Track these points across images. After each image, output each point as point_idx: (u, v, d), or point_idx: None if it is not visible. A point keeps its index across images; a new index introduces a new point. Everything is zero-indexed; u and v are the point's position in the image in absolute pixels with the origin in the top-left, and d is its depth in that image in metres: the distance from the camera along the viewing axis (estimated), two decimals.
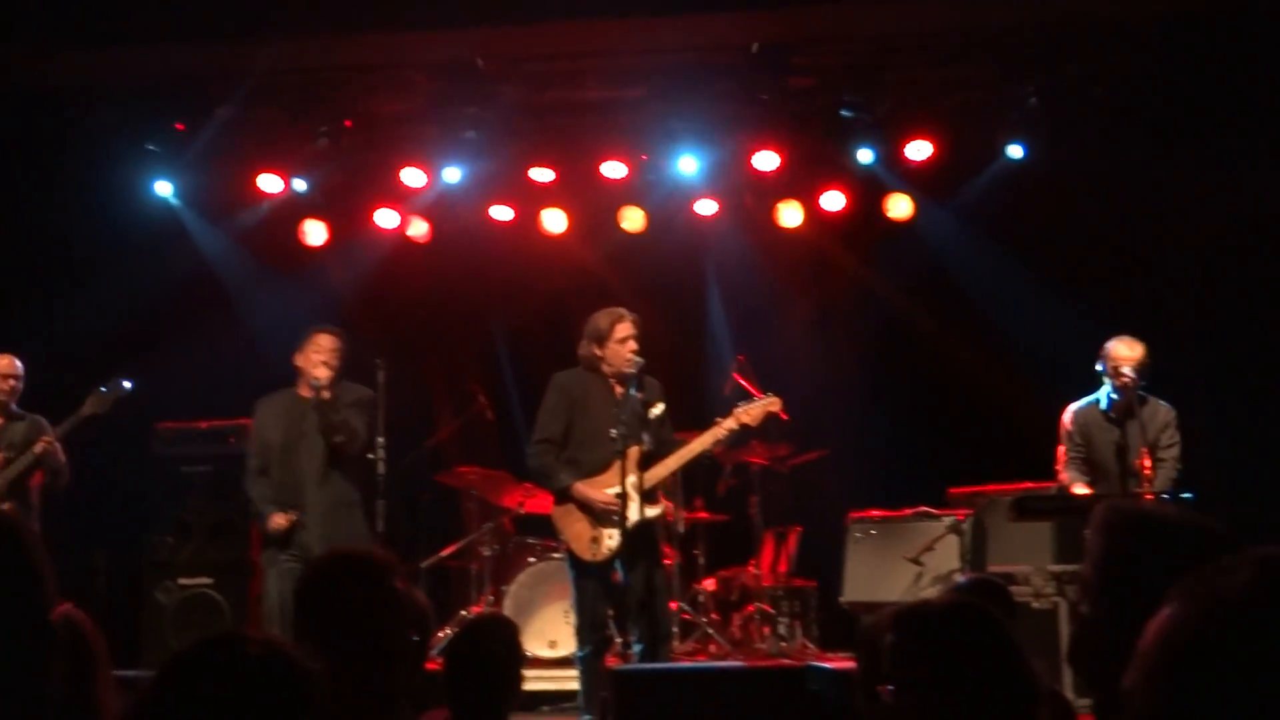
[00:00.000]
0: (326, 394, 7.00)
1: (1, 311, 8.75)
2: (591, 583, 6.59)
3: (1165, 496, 6.71)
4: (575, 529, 6.65)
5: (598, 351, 6.76)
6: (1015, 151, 8.94)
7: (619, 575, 6.60)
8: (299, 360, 7.18)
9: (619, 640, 6.80)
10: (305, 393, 7.16)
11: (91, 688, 2.39)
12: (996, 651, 2.50)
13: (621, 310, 6.84)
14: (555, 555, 8.70)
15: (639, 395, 6.64)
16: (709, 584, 8.96)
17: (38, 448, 7.30)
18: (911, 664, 2.65)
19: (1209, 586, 1.26)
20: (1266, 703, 1.17)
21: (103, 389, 7.42)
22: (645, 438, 6.61)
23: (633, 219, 9.63)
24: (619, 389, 6.69)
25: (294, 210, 9.64)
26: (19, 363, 7.64)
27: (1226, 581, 1.25)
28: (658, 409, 6.76)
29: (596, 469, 6.63)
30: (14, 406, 7.60)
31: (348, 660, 2.65)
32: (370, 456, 7.25)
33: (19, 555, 1.75)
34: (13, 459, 7.33)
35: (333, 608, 2.71)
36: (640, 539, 6.58)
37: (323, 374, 7.03)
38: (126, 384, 7.41)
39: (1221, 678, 1.20)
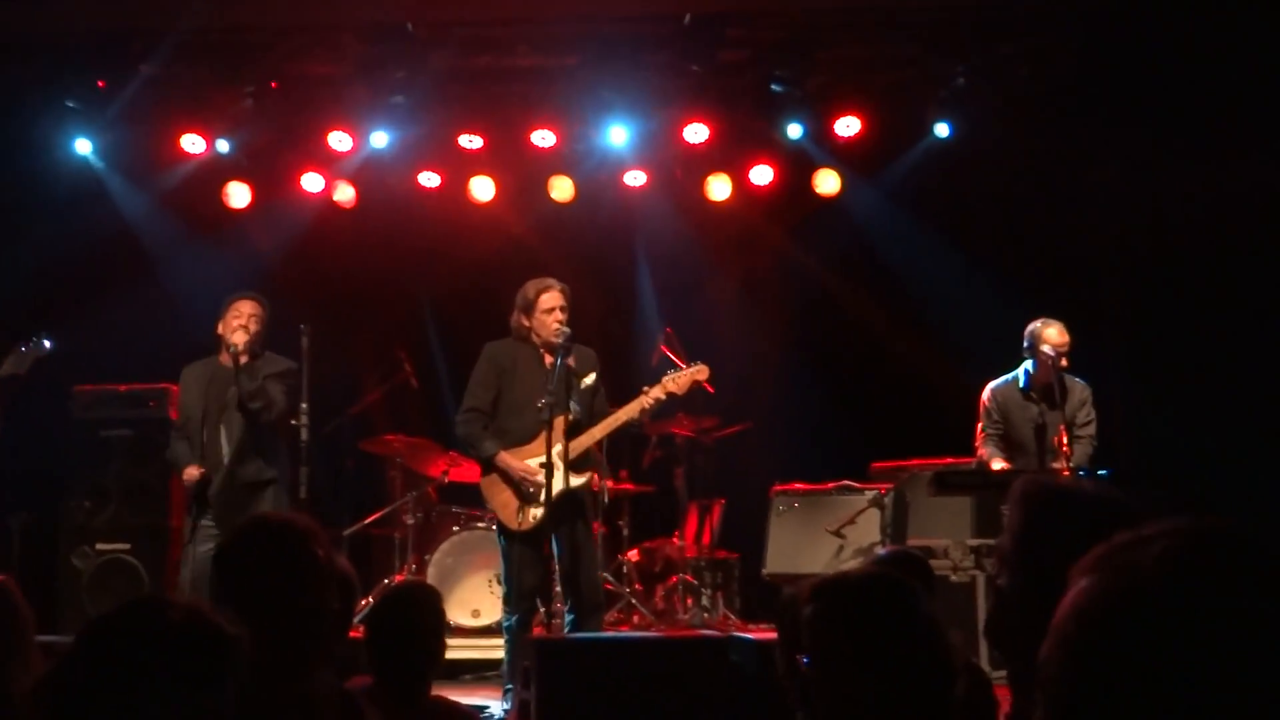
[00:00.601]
0: (244, 358, 6.93)
1: None
2: (519, 551, 6.59)
3: (1082, 472, 6.83)
4: (501, 498, 6.67)
5: (525, 321, 6.77)
6: (942, 130, 9.02)
7: (550, 545, 6.64)
8: (220, 328, 7.09)
9: (543, 610, 6.81)
10: (226, 361, 7.08)
11: (21, 652, 2.36)
12: (914, 623, 2.52)
13: (549, 280, 6.83)
14: (479, 525, 8.71)
15: (568, 364, 6.64)
16: (633, 555, 9.00)
17: None
18: (829, 635, 2.67)
19: (1122, 558, 1.27)
20: (1178, 674, 1.19)
21: (22, 348, 7.17)
22: (574, 407, 6.63)
23: (562, 188, 9.59)
24: (549, 359, 6.69)
25: (217, 172, 9.48)
26: None
27: (1139, 553, 1.26)
28: (589, 379, 6.78)
29: (524, 438, 6.64)
30: None
31: (269, 627, 2.64)
32: (294, 423, 7.18)
33: None
34: None
35: (254, 574, 2.69)
36: (566, 508, 6.59)
37: (240, 338, 6.95)
38: (47, 343, 7.17)
39: (1133, 649, 1.21)
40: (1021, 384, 7.44)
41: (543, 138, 9.31)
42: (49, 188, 9.15)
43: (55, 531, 8.56)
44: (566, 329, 6.68)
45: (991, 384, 7.57)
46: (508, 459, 6.64)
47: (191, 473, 6.94)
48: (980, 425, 7.54)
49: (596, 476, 6.87)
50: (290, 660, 2.69)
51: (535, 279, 6.88)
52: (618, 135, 9.17)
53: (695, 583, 8.81)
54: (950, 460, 8.07)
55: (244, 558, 2.75)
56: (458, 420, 6.89)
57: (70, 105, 8.99)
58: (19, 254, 8.84)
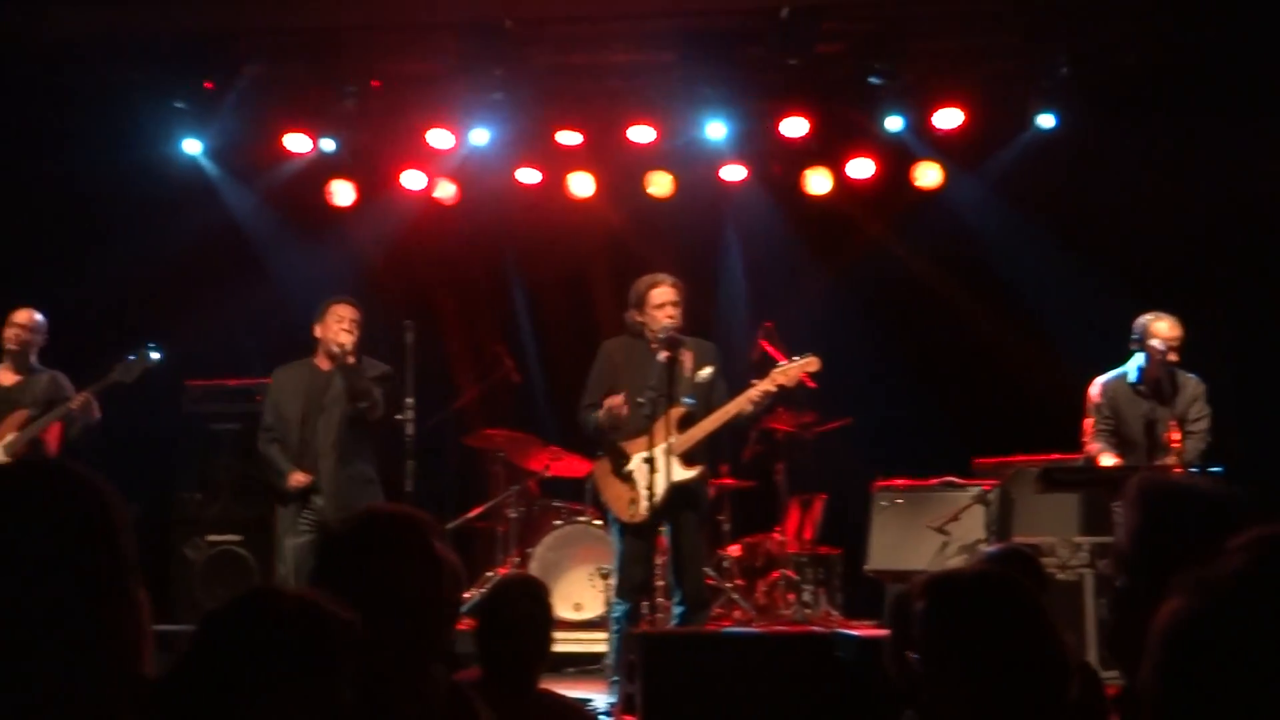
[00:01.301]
0: (351, 359, 7.04)
1: (31, 268, 8.77)
2: (629, 543, 6.64)
3: (1194, 469, 6.69)
4: (614, 490, 6.74)
5: (638, 317, 6.81)
6: (1046, 121, 8.88)
7: (664, 538, 6.70)
8: (318, 331, 7.20)
9: (646, 604, 6.85)
10: (323, 364, 7.19)
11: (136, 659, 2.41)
12: (1029, 623, 2.49)
13: (661, 276, 6.85)
14: (581, 519, 8.76)
15: (676, 359, 6.67)
16: (734, 550, 8.99)
17: (75, 402, 7.21)
18: (942, 633, 2.65)
19: (1203, 576, 1.25)
20: (1262, 691, 1.16)
21: (130, 358, 7.33)
22: (686, 400, 6.65)
23: (660, 184, 9.60)
24: (663, 354, 6.72)
25: (321, 170, 9.63)
26: (39, 316, 7.55)
27: (1218, 570, 1.24)
28: (705, 372, 6.78)
29: (635, 432, 6.67)
30: (33, 361, 7.51)
31: (384, 619, 2.66)
32: (399, 418, 7.28)
33: (103, 519, 1.77)
34: (36, 416, 7.25)
35: (370, 566, 2.70)
36: (676, 501, 6.62)
37: (347, 340, 7.06)
38: (155, 354, 7.33)
39: (1219, 669, 1.19)
40: (1132, 379, 7.30)
41: (641, 133, 9.32)
42: (159, 187, 9.35)
43: (168, 523, 8.76)
44: (670, 323, 6.69)
45: (1101, 379, 7.44)
46: (623, 449, 6.75)
47: (299, 479, 7.06)
48: (1089, 420, 7.41)
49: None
50: (405, 653, 2.71)
51: (648, 275, 6.91)
52: (715, 130, 9.15)
53: (797, 578, 8.76)
54: (1056, 456, 7.95)
55: (360, 549, 2.75)
56: (580, 419, 6.99)
57: (178, 106, 9.17)
58: (131, 252, 9.05)
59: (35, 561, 1.72)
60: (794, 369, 6.83)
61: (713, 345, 7.00)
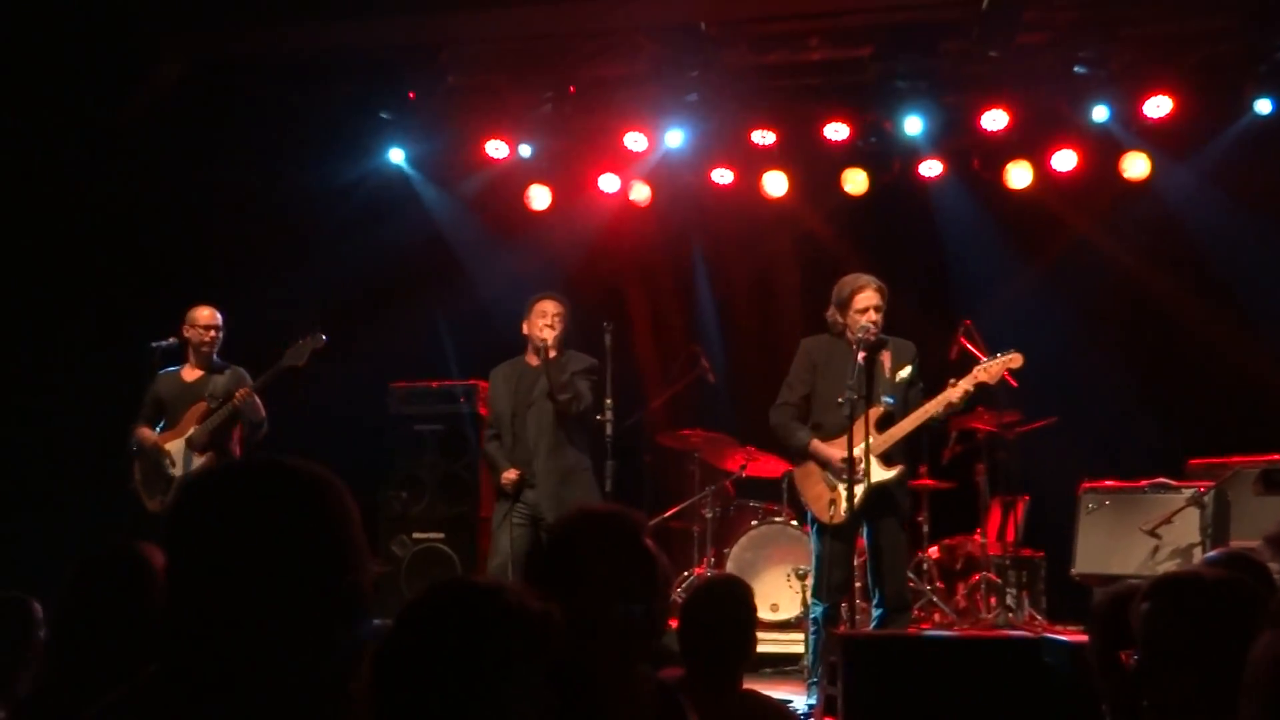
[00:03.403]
0: (553, 353, 7.18)
1: (244, 274, 9.15)
2: (829, 544, 6.59)
3: None
4: (814, 490, 6.71)
5: (840, 318, 6.76)
6: (1264, 106, 8.50)
7: (863, 540, 6.64)
8: (525, 328, 7.36)
9: (844, 605, 6.80)
10: (532, 361, 7.34)
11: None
12: (1257, 625, 2.40)
13: (866, 278, 6.78)
14: (777, 519, 8.73)
15: (878, 360, 6.61)
16: (933, 552, 8.84)
17: (236, 399, 7.41)
18: (1169, 633, 2.57)
19: None
20: None
21: (300, 341, 7.46)
22: (886, 400, 6.59)
23: (855, 181, 9.51)
24: (862, 355, 6.66)
25: (519, 175, 9.83)
26: (219, 315, 7.72)
27: None
28: (904, 372, 6.71)
29: (834, 433, 6.62)
30: (216, 358, 7.69)
31: (599, 618, 2.69)
32: (599, 418, 7.38)
33: (327, 513, 1.83)
34: (215, 409, 7.47)
35: (585, 563, 2.72)
36: (876, 502, 6.55)
37: (548, 335, 7.21)
38: (322, 335, 7.45)
39: None
40: None
41: (835, 130, 9.25)
42: (366, 195, 9.69)
43: (375, 521, 9.03)
44: (869, 325, 6.62)
45: None
46: (820, 445, 6.69)
47: (510, 475, 7.22)
48: None
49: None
50: (617, 652, 2.73)
51: (852, 275, 6.86)
52: (912, 125, 9.01)
53: (999, 581, 8.57)
54: (1277, 456, 7.59)
55: (574, 546, 2.78)
56: (770, 412, 6.94)
57: (384, 116, 9.47)
58: (341, 258, 9.39)
59: (263, 559, 1.79)
60: (996, 365, 6.69)
61: (911, 345, 6.90)
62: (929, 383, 6.88)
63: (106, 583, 3.01)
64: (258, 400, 7.50)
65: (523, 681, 2.09)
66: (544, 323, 7.26)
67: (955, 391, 6.62)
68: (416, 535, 8.88)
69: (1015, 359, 6.71)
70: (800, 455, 6.83)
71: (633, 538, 2.77)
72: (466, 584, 2.22)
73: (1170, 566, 7.12)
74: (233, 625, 1.75)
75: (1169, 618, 2.52)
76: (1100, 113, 8.74)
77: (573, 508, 2.96)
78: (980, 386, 6.71)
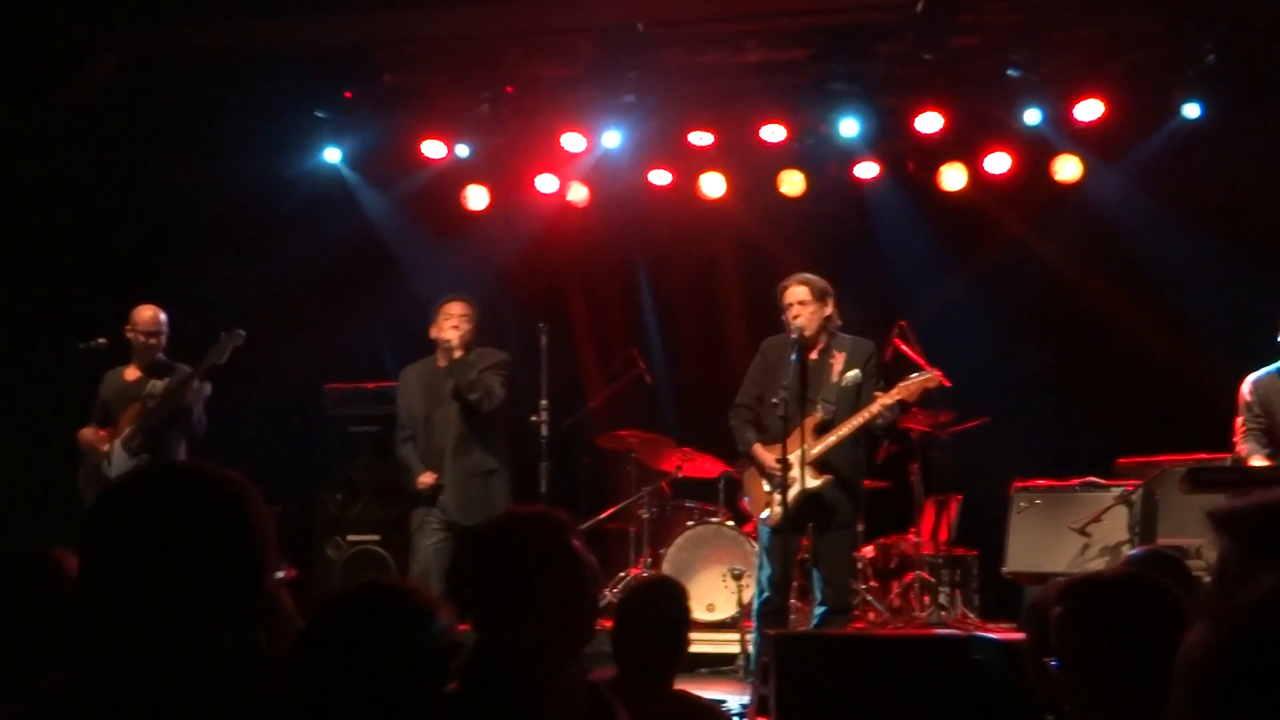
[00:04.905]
0: (458, 354, 7.19)
1: (173, 274, 9.04)
2: (771, 540, 6.64)
3: None
4: (756, 492, 6.80)
5: (783, 317, 6.78)
6: (1192, 110, 8.62)
7: (800, 542, 6.70)
8: (433, 331, 7.38)
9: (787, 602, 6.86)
10: (441, 363, 7.35)
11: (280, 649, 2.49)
12: (1173, 628, 2.42)
13: (793, 276, 6.84)
14: (713, 519, 8.76)
15: (801, 359, 6.63)
16: (868, 551, 8.91)
17: (161, 388, 7.32)
18: (1081, 638, 2.59)
19: (1228, 603, 1.21)
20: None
21: (220, 339, 7.36)
22: (824, 405, 6.59)
23: (792, 183, 9.56)
24: (811, 354, 6.68)
25: (457, 176, 9.78)
26: (163, 315, 7.64)
27: (1243, 597, 1.19)
28: (850, 375, 6.70)
29: (773, 435, 6.65)
30: (158, 358, 7.60)
31: (529, 619, 2.69)
32: (533, 419, 7.37)
33: (241, 516, 1.82)
34: (152, 409, 7.38)
35: (514, 567, 2.73)
36: (811, 509, 6.58)
37: (453, 336, 7.24)
38: (241, 332, 7.35)
39: (1245, 698, 1.15)
40: None
41: (772, 132, 9.29)
42: (302, 194, 9.61)
43: (309, 524, 8.97)
44: (798, 324, 6.65)
45: (1252, 375, 7.19)
46: (758, 451, 6.72)
47: (426, 480, 7.26)
48: (1239, 419, 7.17)
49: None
50: (545, 654, 2.73)
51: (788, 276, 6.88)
52: (848, 127, 9.07)
53: (932, 580, 8.65)
54: (1204, 456, 7.71)
55: (502, 550, 2.79)
56: (729, 415, 6.98)
57: (320, 116, 9.39)
58: (276, 257, 9.31)
59: (176, 564, 1.78)
60: (915, 384, 6.72)
61: (869, 345, 6.90)
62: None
63: (14, 587, 2.96)
64: (192, 387, 7.40)
65: (429, 686, 2.11)
66: (449, 324, 7.31)
67: (875, 407, 6.60)
68: (351, 538, 8.81)
69: (932, 378, 6.76)
70: (746, 457, 6.91)
71: (559, 539, 2.77)
72: (372, 588, 2.24)
73: (1100, 564, 7.21)
74: (142, 629, 1.74)
75: (1079, 622, 2.55)
76: (1032, 116, 8.83)
77: (499, 511, 2.96)
78: (900, 403, 6.74)
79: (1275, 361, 7.11)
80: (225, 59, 8.93)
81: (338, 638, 2.12)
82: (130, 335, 7.56)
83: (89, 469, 7.45)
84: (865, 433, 6.76)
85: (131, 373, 7.61)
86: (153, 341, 7.58)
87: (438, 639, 2.14)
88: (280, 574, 2.16)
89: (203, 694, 1.75)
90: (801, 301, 6.70)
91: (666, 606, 4.02)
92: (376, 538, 8.77)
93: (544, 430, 7.35)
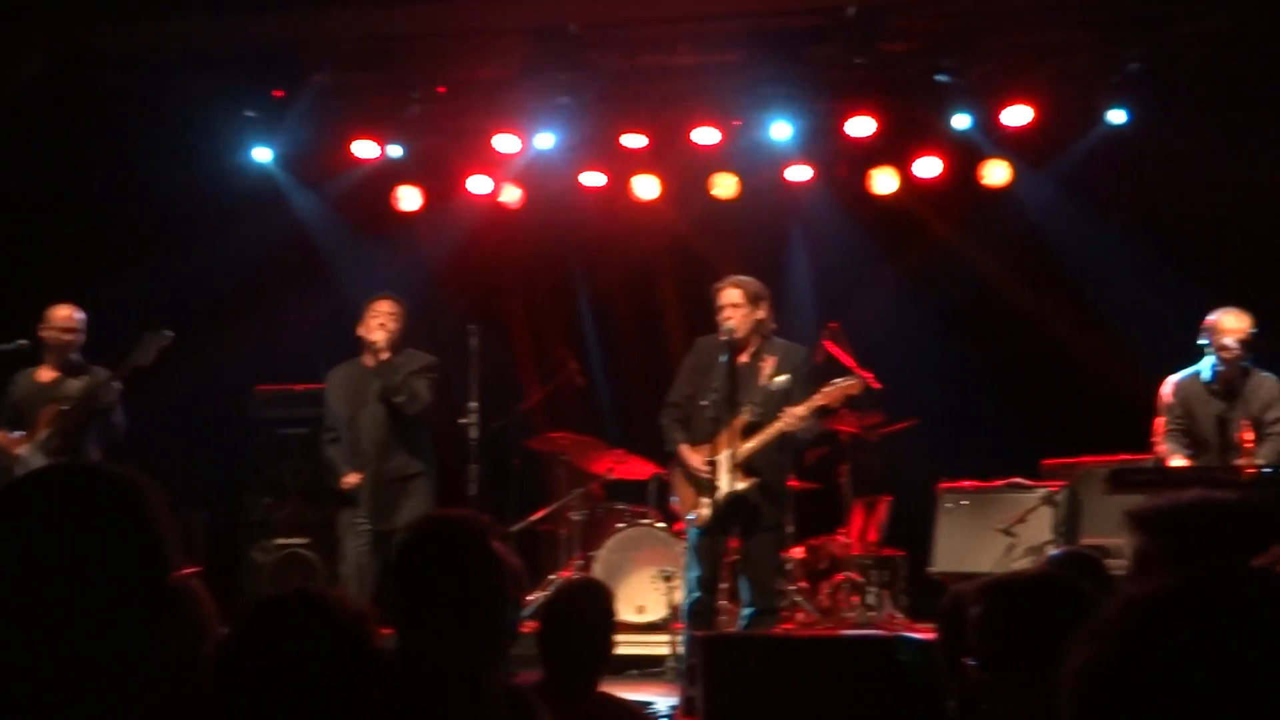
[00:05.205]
0: (385, 354, 7.14)
1: (101, 275, 8.91)
2: (700, 540, 6.66)
3: (1269, 470, 6.55)
4: (684, 492, 6.80)
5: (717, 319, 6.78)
6: (1117, 117, 8.74)
7: (727, 544, 6.72)
8: (360, 330, 7.33)
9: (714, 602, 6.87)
10: (369, 362, 7.30)
11: (200, 652, 2.47)
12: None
13: (727, 279, 6.84)
14: (644, 521, 8.77)
15: (731, 361, 6.64)
16: (798, 552, 8.94)
17: (77, 389, 7.18)
18: (998, 638, 2.62)
19: (1100, 627, 1.24)
20: None
21: (145, 339, 7.19)
22: (752, 408, 6.60)
23: (724, 185, 9.59)
24: (742, 357, 6.69)
25: (388, 176, 9.71)
26: (79, 314, 7.46)
27: (1110, 617, 1.22)
28: (780, 379, 6.70)
29: (700, 436, 6.66)
30: (73, 358, 7.42)
31: (448, 622, 2.68)
32: (462, 421, 7.34)
33: (141, 516, 1.79)
34: (68, 411, 7.23)
35: (434, 570, 2.72)
36: (738, 511, 6.60)
37: (379, 336, 7.19)
38: (168, 333, 7.20)
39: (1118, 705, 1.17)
40: (1205, 378, 7.17)
41: (705, 135, 9.31)
42: (230, 195, 9.49)
43: (236, 527, 8.87)
44: (729, 325, 6.66)
45: (1173, 377, 7.31)
46: (684, 453, 6.72)
47: (350, 480, 7.21)
48: (1160, 420, 7.29)
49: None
50: (467, 656, 2.72)
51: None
52: (780, 130, 9.12)
53: (861, 580, 8.71)
54: (1126, 457, 7.84)
55: (423, 554, 2.77)
56: (661, 414, 6.97)
57: (249, 115, 9.29)
58: (202, 258, 9.19)
59: (72, 565, 1.75)
60: (837, 390, 6.75)
61: (801, 350, 6.92)
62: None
63: None
64: (114, 388, 7.28)
65: (352, 696, 2.10)
66: (377, 323, 7.26)
67: (798, 410, 6.61)
68: (279, 541, 8.73)
69: (854, 385, 6.79)
70: (674, 458, 6.91)
71: (478, 542, 2.76)
72: (289, 598, 2.23)
73: (1024, 564, 7.31)
74: (38, 631, 1.72)
75: (997, 621, 2.57)
76: (961, 121, 8.91)
77: (420, 515, 2.96)
78: (822, 409, 6.78)
79: (1196, 364, 7.24)
80: (153, 57, 8.81)
81: (261, 647, 2.12)
82: (44, 334, 7.36)
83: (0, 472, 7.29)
84: (791, 438, 6.77)
85: (46, 373, 7.45)
86: (67, 339, 7.38)
87: (361, 648, 2.14)
88: (185, 572, 2.15)
89: (102, 694, 1.73)
90: (734, 304, 6.71)
91: (591, 609, 4.01)
92: (305, 541, 8.69)
93: (473, 432, 7.32)
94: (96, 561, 1.74)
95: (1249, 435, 6.84)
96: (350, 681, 2.12)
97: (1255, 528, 2.13)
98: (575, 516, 8.93)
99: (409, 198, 9.78)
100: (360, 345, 7.41)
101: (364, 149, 9.48)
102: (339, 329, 9.06)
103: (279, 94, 9.19)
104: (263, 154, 9.51)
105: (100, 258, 9.21)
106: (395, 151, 9.47)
